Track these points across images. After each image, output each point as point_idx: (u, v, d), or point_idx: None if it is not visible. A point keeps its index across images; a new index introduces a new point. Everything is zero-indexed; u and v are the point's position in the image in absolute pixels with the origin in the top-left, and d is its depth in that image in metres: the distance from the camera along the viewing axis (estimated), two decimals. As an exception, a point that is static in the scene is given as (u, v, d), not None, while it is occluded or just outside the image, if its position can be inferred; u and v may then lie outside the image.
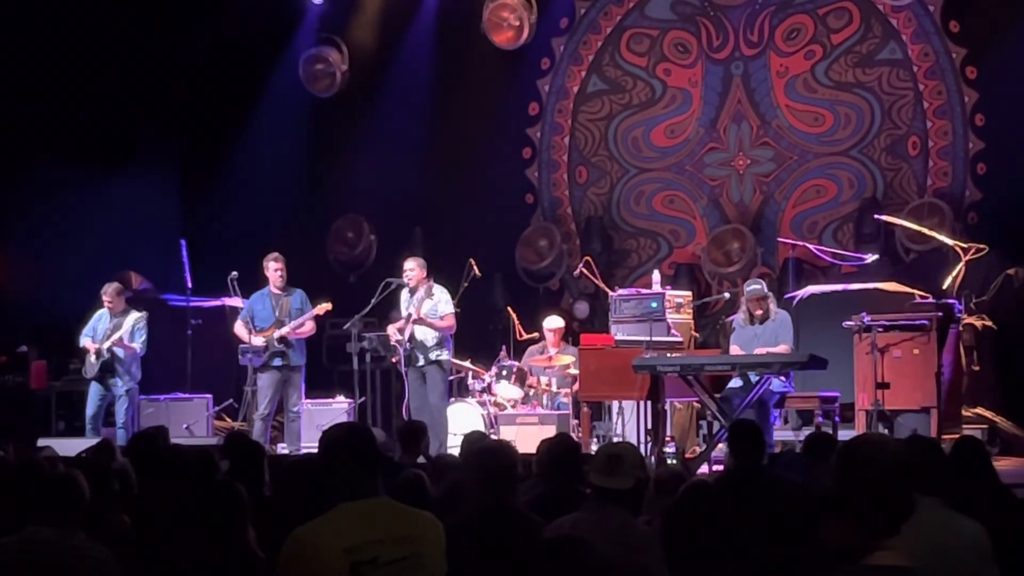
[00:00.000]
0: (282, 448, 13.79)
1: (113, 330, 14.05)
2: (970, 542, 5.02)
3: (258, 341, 13.68)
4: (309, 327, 13.92)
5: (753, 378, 11.90)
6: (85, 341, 14.13)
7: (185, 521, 5.24)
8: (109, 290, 14.20)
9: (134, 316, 14.02)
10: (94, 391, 14.06)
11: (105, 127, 17.04)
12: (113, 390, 14.04)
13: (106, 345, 13.93)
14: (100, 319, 14.19)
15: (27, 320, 16.26)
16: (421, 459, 9.20)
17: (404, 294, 13.59)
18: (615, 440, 12.83)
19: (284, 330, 13.64)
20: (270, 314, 13.77)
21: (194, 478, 6.39)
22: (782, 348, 12.31)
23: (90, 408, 14.06)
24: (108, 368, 14.03)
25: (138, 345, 14.05)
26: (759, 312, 12.60)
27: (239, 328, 13.92)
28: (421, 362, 13.36)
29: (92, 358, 14.01)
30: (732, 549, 4.61)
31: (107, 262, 16.23)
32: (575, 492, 6.21)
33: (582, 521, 5.42)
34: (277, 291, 13.84)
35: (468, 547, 5.15)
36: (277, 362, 13.67)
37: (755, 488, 6.73)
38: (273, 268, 13.81)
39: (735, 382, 12.20)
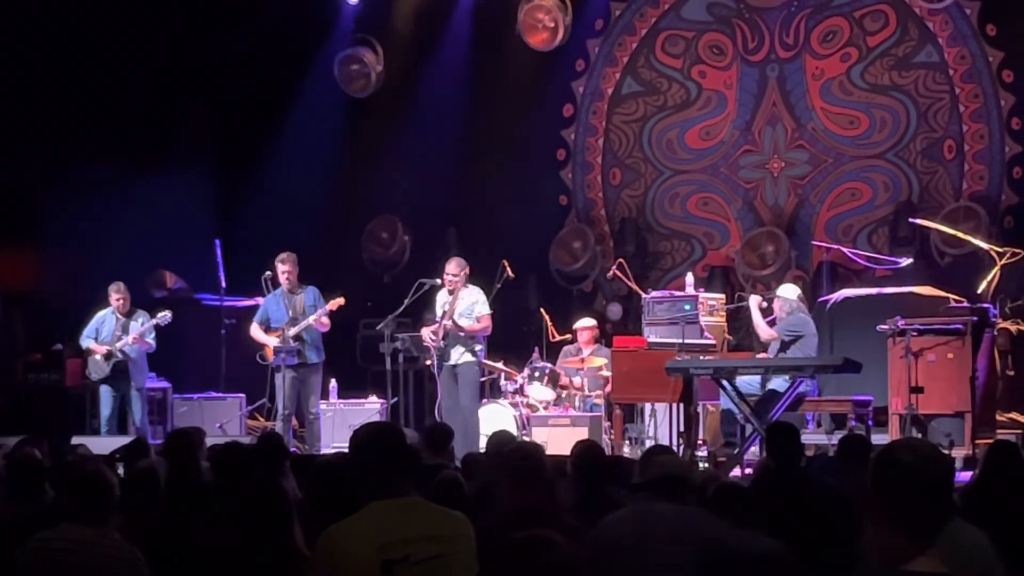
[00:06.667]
0: (295, 450, 13.64)
1: (122, 331, 14.06)
2: (973, 548, 4.98)
3: (273, 341, 13.64)
4: (324, 322, 13.83)
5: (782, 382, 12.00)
6: (88, 343, 14.16)
7: (233, 520, 5.23)
8: (122, 288, 14.19)
9: (145, 314, 14.07)
10: (106, 393, 14.11)
11: (141, 127, 17.11)
12: (128, 390, 14.04)
13: (119, 345, 13.96)
14: (104, 321, 14.19)
15: (63, 318, 16.32)
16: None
17: (441, 294, 13.51)
18: (648, 443, 12.83)
19: (306, 322, 13.53)
20: (284, 314, 13.72)
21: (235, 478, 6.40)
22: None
23: (105, 409, 14.13)
24: (120, 368, 14.05)
25: (152, 342, 14.14)
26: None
27: (254, 330, 13.83)
28: (452, 361, 13.31)
29: (100, 359, 14.04)
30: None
31: (142, 261, 16.33)
32: (604, 496, 6.21)
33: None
34: (288, 291, 13.82)
35: (500, 549, 5.13)
36: (292, 360, 13.60)
37: (795, 489, 6.68)
38: (280, 270, 13.75)
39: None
